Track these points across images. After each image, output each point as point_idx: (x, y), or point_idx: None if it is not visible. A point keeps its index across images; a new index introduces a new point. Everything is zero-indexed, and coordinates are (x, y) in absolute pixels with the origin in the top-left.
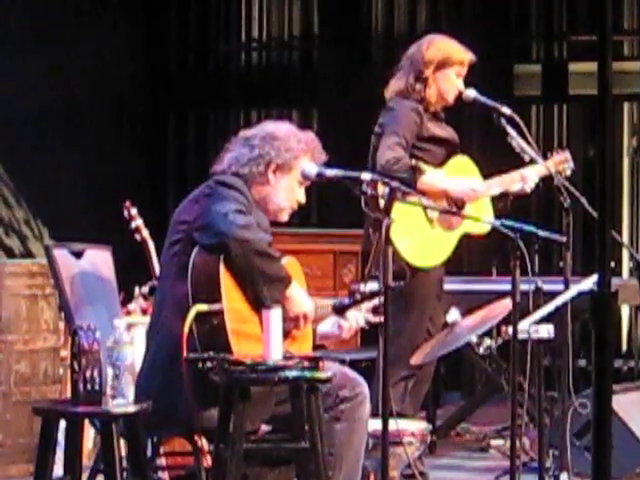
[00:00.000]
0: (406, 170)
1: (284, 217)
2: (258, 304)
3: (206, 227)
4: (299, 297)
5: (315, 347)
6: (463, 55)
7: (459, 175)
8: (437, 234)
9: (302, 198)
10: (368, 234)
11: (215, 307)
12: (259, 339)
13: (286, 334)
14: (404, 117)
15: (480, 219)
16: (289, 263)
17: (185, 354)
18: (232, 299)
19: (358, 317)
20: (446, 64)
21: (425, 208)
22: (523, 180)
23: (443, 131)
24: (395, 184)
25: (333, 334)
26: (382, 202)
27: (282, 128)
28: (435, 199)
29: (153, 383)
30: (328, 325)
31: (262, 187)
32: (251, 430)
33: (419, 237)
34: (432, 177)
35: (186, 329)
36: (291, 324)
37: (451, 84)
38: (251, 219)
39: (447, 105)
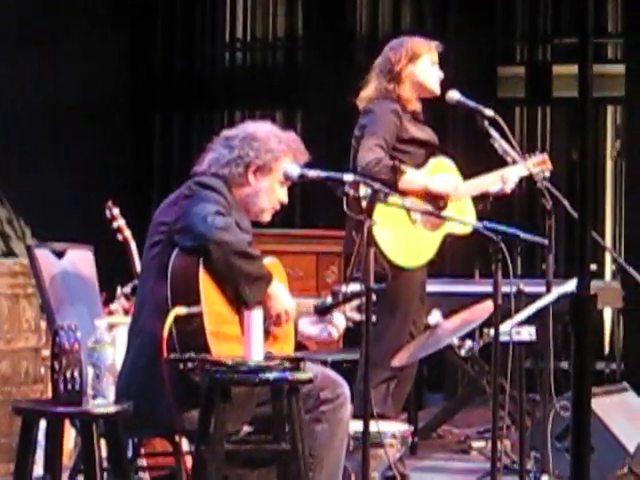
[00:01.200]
0: (387, 171)
1: (266, 218)
2: (240, 304)
3: (185, 229)
4: (280, 294)
5: (297, 347)
6: (428, 44)
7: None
8: (420, 234)
9: (284, 198)
10: (350, 235)
11: (194, 310)
12: (240, 340)
13: (267, 333)
14: (383, 119)
15: (463, 221)
16: (271, 264)
17: (165, 356)
18: (211, 302)
19: (341, 320)
20: (416, 56)
21: (407, 209)
22: (503, 181)
23: (423, 132)
24: (377, 185)
25: (322, 338)
26: (364, 203)
27: (263, 129)
28: (417, 198)
29: (134, 384)
30: (316, 329)
31: (242, 188)
32: (233, 432)
33: (403, 237)
34: (413, 176)
35: (165, 332)
36: (272, 321)
37: (429, 73)
38: (230, 220)
39: (434, 95)
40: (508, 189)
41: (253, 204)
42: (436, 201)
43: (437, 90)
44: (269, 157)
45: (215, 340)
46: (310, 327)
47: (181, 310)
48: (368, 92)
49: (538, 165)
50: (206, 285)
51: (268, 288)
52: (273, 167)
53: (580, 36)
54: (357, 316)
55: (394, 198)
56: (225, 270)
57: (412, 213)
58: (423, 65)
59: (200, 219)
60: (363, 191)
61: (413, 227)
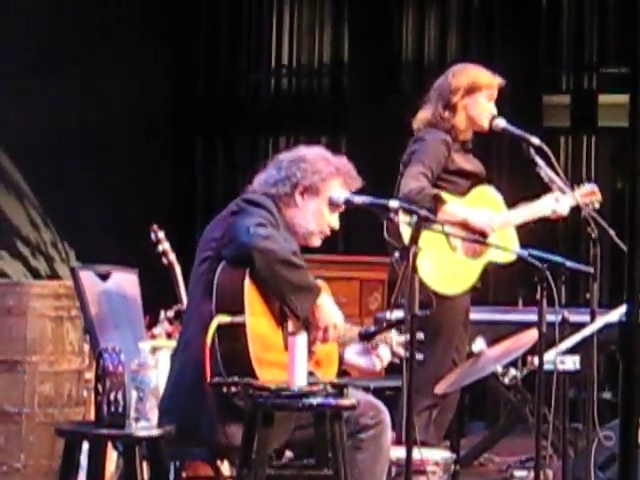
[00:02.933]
0: (428, 200)
1: (315, 242)
2: (284, 319)
3: (230, 241)
4: (329, 307)
5: (339, 374)
6: (491, 78)
7: (480, 205)
8: (460, 261)
9: (335, 224)
10: (393, 262)
11: (238, 319)
12: (282, 366)
13: (312, 348)
14: (432, 148)
15: (508, 249)
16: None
17: (208, 374)
18: (255, 312)
19: (387, 353)
20: (475, 89)
21: (448, 236)
22: (557, 200)
23: (469, 164)
24: (423, 212)
25: (365, 368)
26: (403, 230)
27: (313, 151)
28: (457, 228)
29: (177, 401)
30: (362, 360)
31: (290, 209)
32: (270, 451)
33: (442, 264)
34: (454, 207)
35: (208, 340)
36: (320, 334)
37: (482, 109)
38: (273, 231)
39: (482, 131)
40: (561, 210)
41: (300, 226)
42: (474, 233)
43: (486, 127)
44: (316, 178)
45: (259, 365)
46: (356, 357)
47: (224, 318)
48: (426, 114)
49: (587, 196)
50: (251, 295)
51: (316, 300)
52: (321, 189)
53: (631, 65)
54: (403, 352)
55: (437, 225)
56: (269, 279)
57: (452, 240)
58: (479, 99)
59: (244, 230)
60: (403, 218)
61: (453, 254)
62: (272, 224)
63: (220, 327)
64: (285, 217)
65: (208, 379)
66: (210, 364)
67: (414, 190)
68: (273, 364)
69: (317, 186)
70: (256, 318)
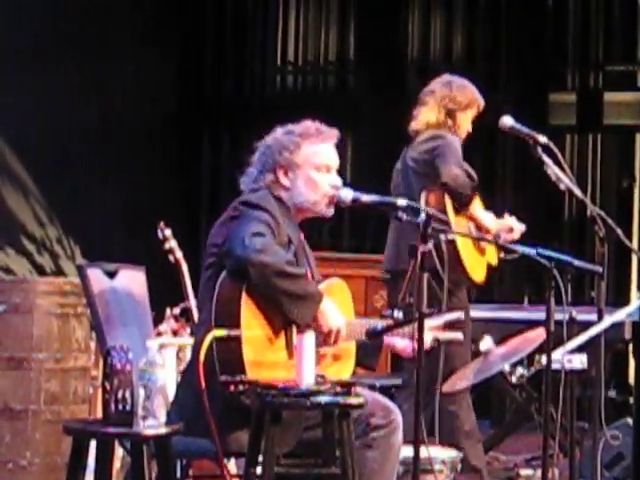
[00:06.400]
0: (469, 188)
1: (324, 210)
2: (287, 329)
3: (226, 253)
4: (329, 312)
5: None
6: (480, 100)
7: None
8: (478, 255)
9: (335, 181)
10: (397, 252)
11: (234, 332)
12: (286, 365)
13: (319, 356)
14: (456, 150)
15: (513, 248)
16: (336, 285)
17: (203, 385)
18: (251, 327)
19: (427, 337)
20: (469, 106)
21: (463, 236)
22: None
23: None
24: (431, 211)
25: (407, 353)
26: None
27: (273, 133)
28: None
29: (185, 401)
30: (404, 343)
31: (285, 192)
32: (280, 454)
33: (471, 254)
34: (481, 212)
35: (202, 354)
36: (322, 339)
37: (467, 125)
38: (268, 240)
39: None
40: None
41: (301, 203)
42: (479, 231)
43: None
44: (286, 154)
45: (256, 369)
46: (401, 340)
47: (220, 332)
48: (428, 117)
49: (504, 231)
50: (247, 310)
51: (318, 307)
52: (296, 160)
53: None
54: (442, 336)
55: (445, 225)
56: (266, 291)
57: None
58: (469, 116)
59: (239, 242)
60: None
61: (474, 247)
62: (270, 226)
63: (217, 340)
64: (286, 202)
65: (204, 392)
66: (206, 376)
67: (460, 176)
68: (273, 365)
69: (291, 160)
70: (252, 332)
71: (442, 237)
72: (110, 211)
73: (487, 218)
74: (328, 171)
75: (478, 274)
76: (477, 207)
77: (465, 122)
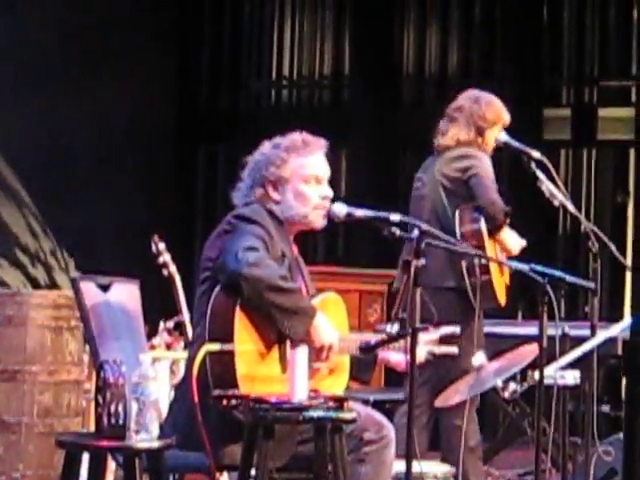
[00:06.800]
0: (503, 214)
1: (316, 222)
2: (281, 343)
3: (220, 267)
4: (321, 327)
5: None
6: (507, 116)
7: None
8: (501, 276)
9: (325, 192)
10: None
11: (227, 347)
12: (279, 379)
13: (313, 370)
14: (489, 168)
15: (509, 264)
16: (330, 299)
17: (196, 399)
18: (243, 341)
19: (421, 352)
20: (496, 123)
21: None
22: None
23: None
24: (425, 227)
25: (402, 367)
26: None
27: (260, 149)
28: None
29: (179, 415)
30: (400, 357)
31: (276, 206)
32: (272, 468)
33: (498, 278)
34: (509, 234)
35: (195, 368)
36: (314, 354)
37: (493, 141)
38: (262, 254)
39: None
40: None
41: (292, 216)
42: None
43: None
44: (273, 169)
45: (249, 383)
46: (396, 355)
47: (213, 346)
48: (458, 134)
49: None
50: (241, 324)
51: (312, 321)
52: (284, 174)
53: None
54: (439, 350)
55: (441, 242)
56: (260, 306)
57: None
58: (495, 132)
59: (232, 256)
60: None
61: (499, 269)
62: (264, 240)
63: (210, 354)
64: (278, 216)
65: (197, 407)
66: (199, 390)
67: (498, 203)
68: (266, 379)
69: (279, 174)
70: (245, 346)
71: (476, 261)
72: (104, 224)
73: (513, 242)
74: (318, 182)
75: (502, 296)
76: (506, 229)
77: (492, 138)
